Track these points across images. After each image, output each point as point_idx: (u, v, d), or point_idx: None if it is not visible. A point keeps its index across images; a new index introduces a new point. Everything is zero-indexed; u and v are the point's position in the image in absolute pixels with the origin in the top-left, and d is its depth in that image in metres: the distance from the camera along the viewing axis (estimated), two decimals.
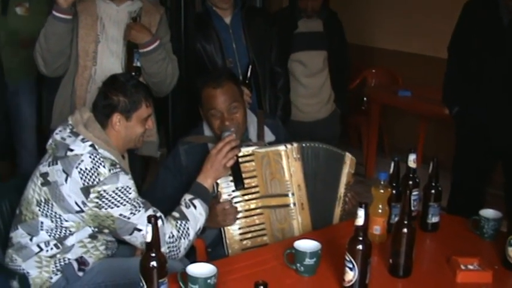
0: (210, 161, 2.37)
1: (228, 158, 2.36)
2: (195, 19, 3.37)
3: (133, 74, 2.92)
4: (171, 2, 3.39)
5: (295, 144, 2.50)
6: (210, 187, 2.38)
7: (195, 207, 2.31)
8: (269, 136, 2.73)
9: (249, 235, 2.49)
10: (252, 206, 2.50)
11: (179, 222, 2.26)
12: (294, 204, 2.49)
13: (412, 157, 2.41)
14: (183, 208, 2.30)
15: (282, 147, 2.48)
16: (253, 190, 2.49)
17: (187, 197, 2.34)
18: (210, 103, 2.55)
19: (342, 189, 2.56)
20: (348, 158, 2.57)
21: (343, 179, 2.56)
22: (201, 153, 2.57)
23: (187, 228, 2.27)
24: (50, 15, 2.85)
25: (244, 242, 2.48)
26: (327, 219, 2.55)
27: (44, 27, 2.88)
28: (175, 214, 2.29)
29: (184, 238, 2.25)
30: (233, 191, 2.47)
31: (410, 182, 2.40)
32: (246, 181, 2.45)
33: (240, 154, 2.44)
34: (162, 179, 2.66)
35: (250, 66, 3.28)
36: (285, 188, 2.48)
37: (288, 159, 2.48)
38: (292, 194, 2.48)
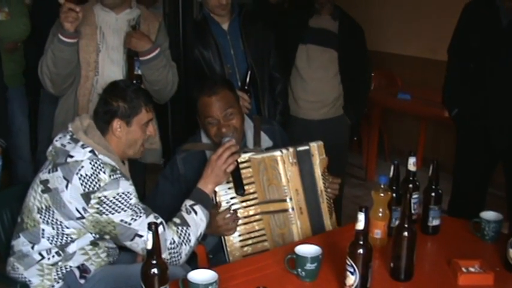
0: (210, 166, 2.38)
1: (228, 164, 2.37)
2: (193, 26, 3.38)
3: (134, 81, 2.92)
4: (169, 9, 3.39)
5: (291, 149, 2.49)
6: (211, 193, 2.39)
7: (195, 213, 2.31)
8: (266, 142, 2.73)
9: (250, 241, 2.49)
10: (251, 213, 2.50)
11: (180, 228, 2.26)
12: (293, 208, 2.48)
13: (411, 160, 2.41)
14: (184, 214, 2.31)
15: (277, 153, 2.48)
16: (251, 196, 2.49)
17: (188, 203, 2.34)
18: (206, 111, 2.56)
19: (320, 183, 2.52)
20: (314, 148, 2.51)
21: (317, 172, 2.52)
22: (198, 160, 2.59)
23: (189, 234, 2.27)
24: (55, 39, 2.84)
25: (245, 248, 2.49)
26: (319, 221, 2.54)
27: (50, 52, 2.87)
28: (176, 220, 2.29)
29: (185, 244, 2.26)
30: (231, 198, 2.48)
31: (411, 185, 2.40)
32: (244, 187, 2.45)
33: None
34: (161, 187, 2.67)
35: (249, 72, 3.28)
36: (283, 193, 2.48)
37: (285, 165, 2.47)
38: (290, 199, 2.48)
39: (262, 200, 2.49)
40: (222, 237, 2.48)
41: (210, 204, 2.39)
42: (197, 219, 2.31)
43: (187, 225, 2.27)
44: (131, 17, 3.06)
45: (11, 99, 4.03)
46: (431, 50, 5.48)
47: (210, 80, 2.71)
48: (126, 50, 2.98)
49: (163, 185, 2.67)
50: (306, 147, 2.51)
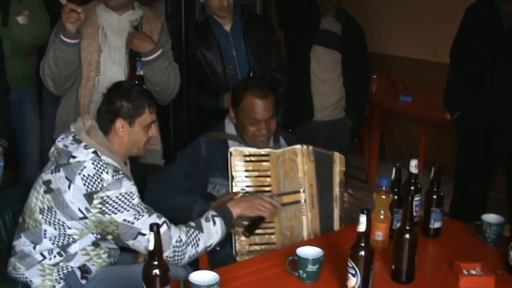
0: (250, 197, 2.46)
1: (264, 208, 2.43)
2: (195, 27, 3.38)
3: (136, 82, 2.92)
4: (171, 10, 3.39)
5: (310, 147, 2.61)
6: (235, 215, 2.41)
7: (214, 223, 2.32)
8: (283, 145, 2.78)
9: (257, 231, 2.51)
10: None
11: (192, 230, 2.27)
12: (305, 200, 2.57)
13: (413, 163, 2.42)
14: (202, 220, 2.32)
15: (298, 146, 2.61)
16: (266, 189, 2.56)
17: (211, 213, 2.36)
18: (252, 111, 2.61)
19: (336, 189, 2.65)
20: (337, 156, 2.67)
21: (336, 179, 2.66)
22: (220, 147, 2.66)
23: (198, 239, 2.27)
24: (57, 40, 2.84)
25: (252, 237, 2.50)
26: (328, 221, 2.61)
27: (52, 52, 2.86)
28: (192, 223, 2.31)
29: (192, 246, 2.26)
30: (246, 186, 2.54)
31: (412, 188, 2.40)
32: (259, 179, 2.55)
33: (257, 153, 2.57)
34: (178, 164, 2.71)
35: (251, 74, 3.29)
36: (298, 185, 2.57)
37: (303, 158, 2.58)
38: (304, 191, 2.57)
39: (275, 194, 2.54)
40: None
41: (231, 225, 2.42)
42: (213, 230, 2.32)
43: (201, 231, 2.29)
44: (134, 17, 3.06)
45: (24, 100, 4.03)
46: (432, 52, 5.47)
47: (259, 81, 2.86)
48: (128, 51, 2.98)
49: (180, 162, 2.70)
50: (329, 153, 2.66)
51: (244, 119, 2.64)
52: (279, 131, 2.82)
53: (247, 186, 2.54)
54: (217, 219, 2.34)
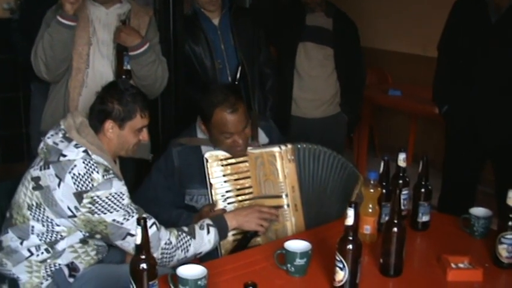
0: (248, 209, 2.44)
1: (263, 220, 2.42)
2: (184, 21, 3.37)
3: (123, 77, 2.91)
4: (159, 3, 3.38)
5: (289, 146, 2.54)
6: (231, 227, 2.40)
7: (208, 232, 2.32)
8: (262, 138, 2.74)
9: (242, 235, 2.49)
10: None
11: (183, 235, 2.27)
12: (288, 205, 2.53)
13: (401, 156, 2.42)
14: (196, 227, 2.32)
15: (276, 149, 2.53)
16: (247, 191, 2.52)
17: (207, 221, 2.35)
18: (224, 127, 2.48)
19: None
20: (361, 180, 2.63)
21: (352, 198, 2.61)
22: (194, 155, 2.59)
23: (189, 244, 2.27)
24: (53, 22, 2.81)
25: (238, 240, 2.48)
26: (322, 221, 2.56)
27: (47, 35, 2.83)
28: (185, 228, 2.30)
29: (181, 250, 2.25)
30: (226, 191, 2.50)
31: (400, 181, 2.41)
32: (239, 182, 2.50)
33: None
34: (154, 179, 2.66)
35: (240, 68, 3.27)
36: (279, 189, 2.52)
37: (283, 161, 2.52)
38: (286, 196, 2.52)
39: (257, 195, 2.52)
40: None
41: (225, 237, 2.40)
42: (205, 238, 2.31)
43: (193, 237, 2.28)
44: (121, 11, 3.04)
45: (37, 93, 3.99)
46: (422, 46, 5.48)
47: (225, 91, 2.55)
48: (116, 45, 2.96)
49: (156, 177, 2.65)
50: (358, 173, 2.68)
51: (218, 134, 2.51)
52: (257, 123, 2.74)
53: (227, 191, 2.51)
54: (212, 229, 2.34)
